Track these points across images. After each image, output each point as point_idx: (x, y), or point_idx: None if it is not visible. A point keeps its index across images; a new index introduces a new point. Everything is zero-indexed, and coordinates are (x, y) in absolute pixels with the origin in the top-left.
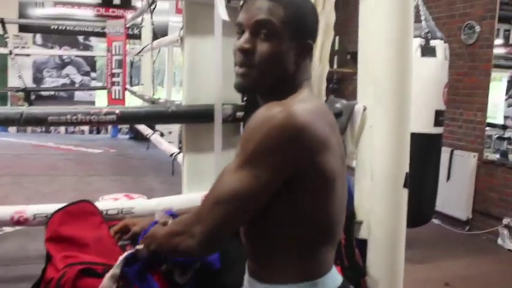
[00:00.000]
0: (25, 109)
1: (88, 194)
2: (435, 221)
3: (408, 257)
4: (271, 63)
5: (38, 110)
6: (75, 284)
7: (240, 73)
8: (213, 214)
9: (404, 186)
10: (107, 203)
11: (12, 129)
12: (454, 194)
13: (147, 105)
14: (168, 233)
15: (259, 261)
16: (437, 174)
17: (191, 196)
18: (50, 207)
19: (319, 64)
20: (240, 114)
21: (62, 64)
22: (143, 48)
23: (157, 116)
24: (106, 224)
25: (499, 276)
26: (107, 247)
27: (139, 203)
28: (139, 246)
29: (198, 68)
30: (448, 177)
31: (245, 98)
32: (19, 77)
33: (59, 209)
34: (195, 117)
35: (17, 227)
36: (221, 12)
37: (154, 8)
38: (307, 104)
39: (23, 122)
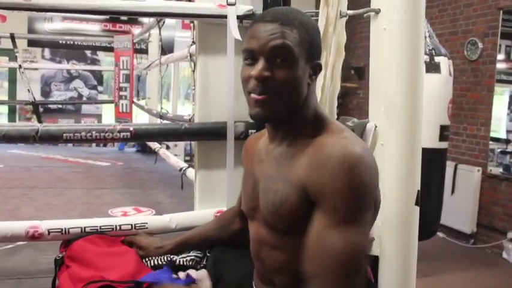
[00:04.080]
0: (40, 126)
1: (97, 207)
2: (440, 234)
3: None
4: (290, 90)
5: (53, 127)
6: None
7: (259, 100)
8: (342, 279)
9: (416, 203)
10: (119, 219)
11: None
12: (459, 208)
13: (160, 123)
14: None
15: None
16: (442, 188)
17: (203, 212)
18: (65, 223)
19: (331, 83)
20: (252, 131)
21: (70, 78)
22: (151, 64)
23: (170, 134)
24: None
25: None
26: (135, 266)
27: (152, 219)
28: None
29: (210, 85)
30: (453, 191)
31: None
32: (28, 90)
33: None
34: (207, 135)
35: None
36: (234, 31)
37: (163, 24)
38: (355, 137)
39: (38, 139)
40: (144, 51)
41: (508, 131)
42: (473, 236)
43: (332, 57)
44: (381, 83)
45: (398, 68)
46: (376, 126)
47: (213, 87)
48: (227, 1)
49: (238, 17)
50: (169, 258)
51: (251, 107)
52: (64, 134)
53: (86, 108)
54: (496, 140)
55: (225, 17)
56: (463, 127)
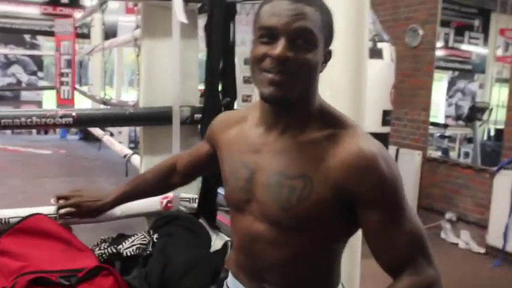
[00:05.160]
0: None
1: (38, 196)
2: None
3: (362, 253)
4: (308, 73)
5: None
6: None
7: (275, 81)
8: (428, 252)
9: None
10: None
11: None
12: None
13: (104, 108)
14: None
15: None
16: None
17: (149, 198)
18: (4, 213)
19: None
20: (198, 116)
21: (8, 63)
22: (94, 49)
23: (115, 119)
24: (68, 230)
25: (442, 267)
26: (70, 254)
27: None
28: None
29: (155, 70)
30: None
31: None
32: None
33: (10, 227)
34: (153, 120)
35: None
36: (179, 14)
37: (105, 8)
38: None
39: None
40: (86, 36)
41: (446, 116)
42: None
43: None
44: (326, 69)
45: (343, 54)
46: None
47: (158, 72)
48: None
49: (184, 0)
50: (114, 251)
51: (264, 86)
52: (2, 120)
53: (25, 95)
54: (435, 124)
55: None
56: (404, 112)
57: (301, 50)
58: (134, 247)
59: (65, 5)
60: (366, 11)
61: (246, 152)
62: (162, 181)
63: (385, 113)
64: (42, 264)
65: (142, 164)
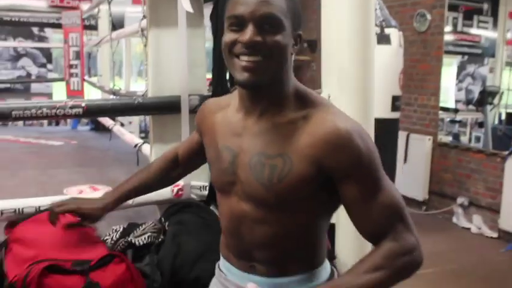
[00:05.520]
0: None
1: (52, 186)
2: None
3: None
4: (279, 54)
5: (1, 104)
6: (40, 281)
7: (248, 67)
8: (407, 219)
9: None
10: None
11: None
12: (411, 176)
13: (113, 98)
14: (388, 257)
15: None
16: (395, 157)
17: None
18: (19, 203)
19: None
20: None
21: (17, 56)
22: (102, 40)
23: (124, 109)
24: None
25: (454, 252)
26: (84, 244)
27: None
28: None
29: (163, 59)
30: (405, 160)
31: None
32: None
33: (25, 217)
34: (162, 109)
35: None
36: (184, 4)
37: None
38: (337, 108)
39: None
40: (94, 28)
41: (456, 101)
42: (425, 203)
43: None
44: (333, 53)
45: (350, 38)
46: (329, 96)
47: (166, 61)
48: None
49: None
50: (127, 243)
51: (238, 73)
52: (13, 112)
53: (35, 87)
54: (446, 109)
55: None
56: (414, 97)
57: (268, 33)
58: (146, 235)
59: None
60: None
61: (229, 136)
62: (165, 175)
63: (394, 99)
64: (56, 253)
65: (153, 152)
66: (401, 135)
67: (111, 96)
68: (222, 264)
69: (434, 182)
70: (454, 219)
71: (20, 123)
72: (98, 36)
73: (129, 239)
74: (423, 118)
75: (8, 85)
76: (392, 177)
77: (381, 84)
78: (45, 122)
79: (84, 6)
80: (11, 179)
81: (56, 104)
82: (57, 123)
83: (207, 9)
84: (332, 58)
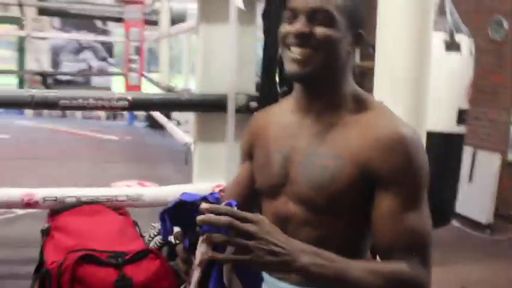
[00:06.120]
0: (36, 92)
1: (101, 180)
2: (456, 223)
3: None
4: (328, 47)
5: (49, 93)
6: (74, 270)
7: (298, 56)
8: (427, 253)
9: None
10: (115, 190)
11: (28, 112)
12: (476, 197)
13: (160, 93)
14: (392, 274)
15: None
16: (458, 174)
17: (201, 185)
18: (61, 191)
19: None
20: (253, 104)
21: (79, 49)
22: (161, 35)
23: (170, 104)
24: (127, 216)
25: None
26: (122, 238)
27: (149, 191)
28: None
29: (212, 56)
30: (470, 179)
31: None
32: (36, 60)
33: (70, 207)
34: (207, 106)
35: (28, 210)
36: (236, 0)
37: None
38: (399, 117)
39: (34, 105)
40: (155, 23)
41: None
42: (489, 226)
43: None
44: (387, 58)
45: (405, 43)
46: (381, 102)
47: (215, 58)
48: None
49: None
50: (163, 241)
51: (288, 64)
52: (61, 101)
53: (96, 81)
54: None
55: None
56: (483, 111)
57: (318, 26)
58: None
59: None
60: None
61: (282, 139)
62: None
63: (461, 112)
64: (94, 244)
65: (196, 151)
66: (467, 152)
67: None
68: None
69: (501, 204)
70: None
71: (79, 115)
72: (159, 31)
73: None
74: (492, 134)
75: (70, 77)
76: (454, 196)
77: (446, 95)
78: (103, 116)
79: (147, 1)
80: (61, 170)
81: (103, 95)
82: (115, 118)
83: (261, 7)
84: (386, 63)
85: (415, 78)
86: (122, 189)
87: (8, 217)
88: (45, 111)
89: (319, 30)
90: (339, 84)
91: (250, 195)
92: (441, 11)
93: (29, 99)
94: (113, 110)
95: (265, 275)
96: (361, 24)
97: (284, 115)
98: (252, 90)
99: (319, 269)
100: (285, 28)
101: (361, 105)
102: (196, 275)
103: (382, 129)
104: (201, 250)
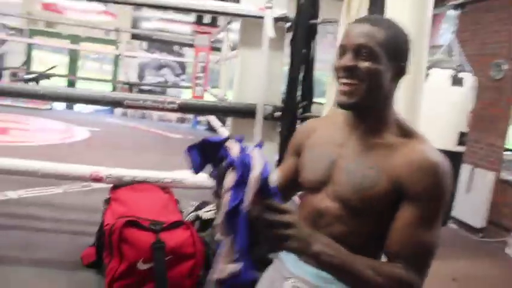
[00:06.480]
0: (107, 93)
1: (164, 167)
2: (453, 225)
3: None
4: (372, 78)
5: (117, 94)
6: (121, 231)
7: (345, 89)
8: (427, 267)
9: None
10: (163, 173)
11: (117, 112)
12: (472, 205)
13: (203, 100)
14: (390, 273)
15: None
16: (455, 184)
17: None
18: (120, 171)
19: None
20: (278, 114)
21: (160, 66)
22: (220, 59)
23: (210, 109)
24: (171, 195)
25: (502, 279)
26: (164, 211)
27: (190, 176)
28: None
29: (247, 73)
30: (468, 190)
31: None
32: (125, 73)
33: (126, 184)
34: (239, 113)
35: (101, 185)
36: (269, 30)
37: (229, 23)
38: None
39: (105, 103)
40: (218, 49)
41: None
42: (482, 230)
43: None
44: None
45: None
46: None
47: (249, 75)
48: (265, 5)
49: (274, 19)
50: (196, 216)
51: (338, 96)
52: (125, 101)
53: (170, 92)
54: (511, 150)
55: (263, 18)
56: (482, 136)
57: (364, 60)
58: (212, 212)
59: (206, 25)
60: (425, 33)
61: (330, 145)
62: None
63: (462, 134)
64: (140, 213)
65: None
66: (467, 168)
67: None
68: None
69: (493, 212)
70: (507, 250)
71: (155, 118)
72: (221, 56)
73: (198, 213)
74: (489, 155)
75: (150, 88)
76: (450, 201)
77: (451, 120)
78: (174, 119)
79: (214, 32)
80: (134, 158)
81: (158, 98)
82: (182, 121)
83: (288, 37)
84: None
85: (408, 106)
86: (168, 173)
87: (86, 189)
88: (130, 113)
89: (363, 64)
90: (382, 110)
91: (289, 185)
92: (450, 53)
93: (101, 98)
94: (164, 110)
95: (291, 255)
96: (403, 57)
97: (333, 126)
98: (278, 102)
99: (328, 258)
100: (336, 63)
101: (402, 131)
102: (225, 197)
103: (419, 154)
104: (229, 178)
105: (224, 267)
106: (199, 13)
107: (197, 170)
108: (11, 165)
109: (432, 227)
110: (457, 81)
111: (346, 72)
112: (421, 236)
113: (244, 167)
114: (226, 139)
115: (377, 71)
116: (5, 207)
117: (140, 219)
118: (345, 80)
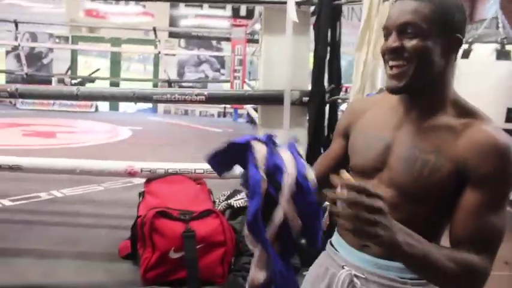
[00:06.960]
0: (136, 90)
1: (200, 161)
2: (508, 209)
3: None
4: (420, 58)
5: (146, 90)
6: (153, 221)
7: (393, 72)
8: (496, 252)
9: None
10: (195, 165)
11: (160, 110)
12: None
13: (230, 90)
14: (466, 262)
15: None
16: None
17: None
18: (153, 165)
19: (373, 59)
20: (305, 99)
21: (199, 62)
22: (255, 51)
23: (237, 98)
24: (203, 185)
25: None
26: (195, 201)
27: None
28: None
29: (272, 60)
30: None
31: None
32: (164, 71)
33: (160, 177)
34: (267, 100)
35: (141, 180)
36: (292, 15)
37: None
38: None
39: (135, 98)
40: (256, 41)
41: None
42: None
43: (374, 37)
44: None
45: None
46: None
47: (274, 62)
48: None
49: (296, 3)
50: (227, 205)
51: (387, 81)
52: (154, 96)
53: (210, 87)
54: None
55: (285, 3)
56: None
57: (409, 38)
58: (243, 200)
59: (242, 17)
60: None
61: (384, 128)
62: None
63: (510, 110)
64: (171, 204)
65: (260, 134)
66: None
67: None
68: (335, 240)
69: None
70: None
71: (197, 113)
72: (258, 48)
73: (229, 202)
74: None
75: (191, 84)
76: None
77: (496, 96)
78: (216, 113)
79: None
80: (174, 153)
81: (186, 91)
82: (224, 116)
83: (312, 21)
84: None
85: None
86: (200, 165)
87: (127, 185)
88: (173, 110)
89: (409, 43)
90: (437, 90)
91: (337, 168)
92: (495, 25)
93: (131, 95)
94: (193, 102)
95: (344, 244)
96: (457, 29)
97: (386, 107)
98: (305, 87)
99: (409, 248)
100: (383, 45)
101: (464, 111)
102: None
103: (485, 135)
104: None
105: (255, 275)
106: (215, 3)
107: (220, 173)
108: (51, 164)
109: (500, 210)
110: (502, 55)
111: (391, 54)
112: (489, 221)
113: (274, 170)
114: (253, 139)
115: (425, 48)
116: (50, 205)
117: (170, 209)
118: (391, 63)
